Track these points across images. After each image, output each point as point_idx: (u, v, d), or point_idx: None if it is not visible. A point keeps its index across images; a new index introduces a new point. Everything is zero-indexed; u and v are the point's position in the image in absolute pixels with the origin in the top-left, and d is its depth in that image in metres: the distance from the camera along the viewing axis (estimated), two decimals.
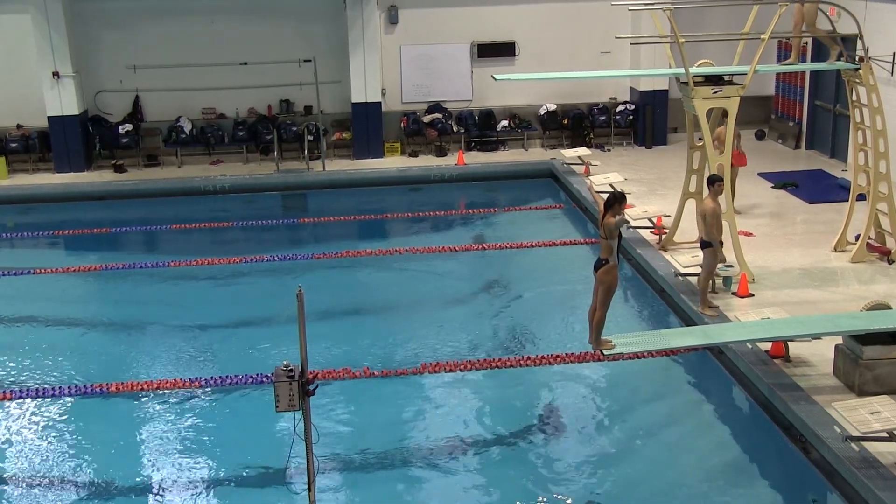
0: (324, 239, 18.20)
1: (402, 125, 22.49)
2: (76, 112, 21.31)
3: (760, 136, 22.84)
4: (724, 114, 13.89)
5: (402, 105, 22.84)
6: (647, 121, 22.63)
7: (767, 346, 11.17)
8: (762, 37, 13.31)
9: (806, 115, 21.63)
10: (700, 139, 13.92)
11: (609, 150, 22.54)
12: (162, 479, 9.87)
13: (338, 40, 21.94)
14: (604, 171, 19.31)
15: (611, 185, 17.29)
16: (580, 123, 22.70)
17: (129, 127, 21.81)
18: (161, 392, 11.61)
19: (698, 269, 12.77)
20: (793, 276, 13.76)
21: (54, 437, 10.81)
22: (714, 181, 12.45)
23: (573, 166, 20.47)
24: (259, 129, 22.18)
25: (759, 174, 19.26)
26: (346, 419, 10.94)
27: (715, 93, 13.43)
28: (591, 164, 19.94)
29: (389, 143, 22.50)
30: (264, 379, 11.36)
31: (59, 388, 11.76)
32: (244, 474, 9.96)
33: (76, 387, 11.79)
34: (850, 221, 14.64)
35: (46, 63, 20.94)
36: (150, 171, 21.80)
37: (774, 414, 10.32)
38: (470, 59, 22.83)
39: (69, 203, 20.18)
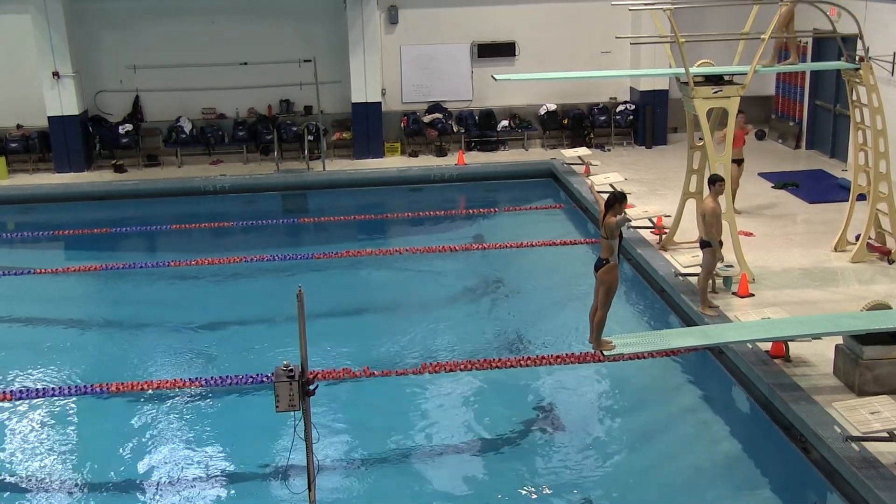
0: (324, 239, 18.20)
1: (402, 125, 22.48)
2: (76, 112, 21.31)
3: (761, 136, 22.82)
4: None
5: (402, 105, 22.84)
6: (647, 121, 22.63)
7: (767, 346, 11.16)
8: (762, 37, 13.32)
9: (806, 115, 21.62)
10: (700, 139, 13.92)
11: (609, 150, 22.54)
12: (162, 479, 9.87)
13: (338, 40, 21.93)
14: (604, 171, 19.31)
15: (611, 185, 17.29)
16: (580, 123, 22.70)
17: (129, 127, 21.81)
18: (161, 392, 11.61)
19: (698, 269, 12.77)
20: (793, 276, 13.75)
21: (54, 437, 10.81)
22: (715, 181, 12.45)
23: (573, 166, 20.46)
24: (259, 129, 22.17)
25: (760, 174, 19.24)
26: (346, 419, 10.94)
27: (715, 93, 13.43)
28: (591, 164, 19.94)
29: (389, 143, 22.50)
30: (264, 379, 11.36)
31: (59, 388, 11.76)
32: (244, 474, 9.96)
33: (76, 387, 11.80)
34: (850, 221, 14.63)
35: (46, 63, 20.94)
36: (150, 171, 21.80)
37: (774, 414, 10.31)
38: (470, 59, 22.83)
39: (69, 203, 20.17)
